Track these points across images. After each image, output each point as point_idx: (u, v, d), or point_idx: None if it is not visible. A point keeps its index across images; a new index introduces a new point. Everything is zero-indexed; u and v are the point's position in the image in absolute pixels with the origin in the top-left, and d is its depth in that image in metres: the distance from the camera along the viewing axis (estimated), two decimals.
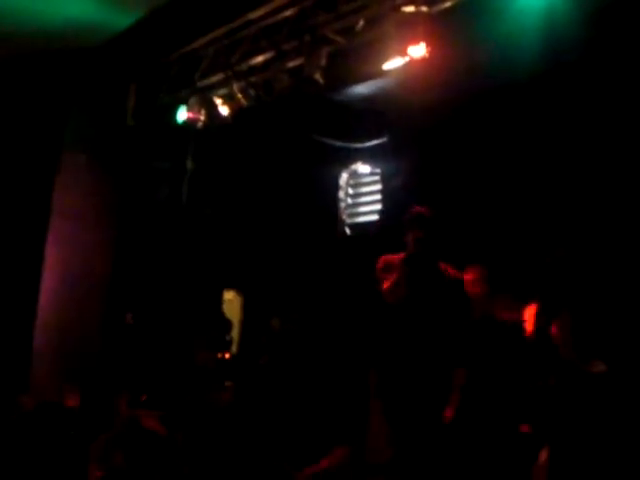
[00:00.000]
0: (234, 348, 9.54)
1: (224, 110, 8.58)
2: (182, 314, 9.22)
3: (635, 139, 6.63)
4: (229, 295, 10.17)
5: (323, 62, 7.67)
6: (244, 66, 8.34)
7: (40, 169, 9.49)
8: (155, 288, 9.42)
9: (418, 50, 6.88)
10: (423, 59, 6.93)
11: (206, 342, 8.30)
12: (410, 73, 7.21)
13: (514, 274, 6.83)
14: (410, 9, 6.93)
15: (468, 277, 6.40)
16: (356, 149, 9.01)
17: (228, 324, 9.60)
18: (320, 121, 8.70)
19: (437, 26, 6.94)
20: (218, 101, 8.61)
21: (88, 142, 9.53)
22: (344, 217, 9.37)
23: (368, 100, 8.36)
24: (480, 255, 6.84)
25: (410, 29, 6.91)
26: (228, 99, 8.57)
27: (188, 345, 8.84)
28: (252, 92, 8.34)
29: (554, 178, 7.12)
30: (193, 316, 9.10)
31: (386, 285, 5.99)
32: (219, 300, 9.99)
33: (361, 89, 8.27)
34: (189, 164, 9.69)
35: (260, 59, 8.19)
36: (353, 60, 7.80)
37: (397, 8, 7.03)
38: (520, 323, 6.38)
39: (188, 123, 8.72)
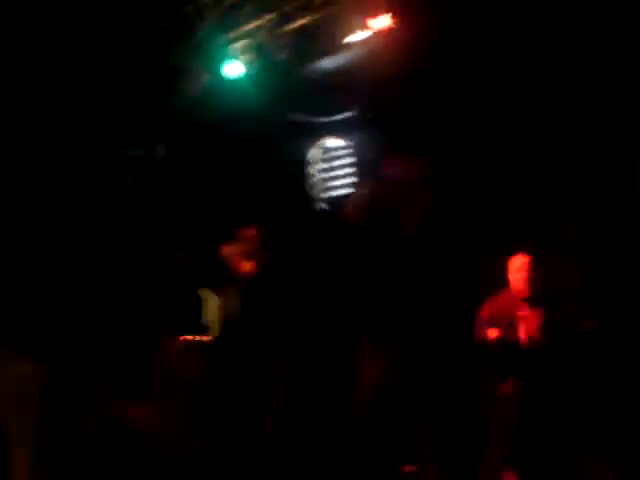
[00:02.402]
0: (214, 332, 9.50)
1: None
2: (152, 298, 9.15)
3: None
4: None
5: (286, 39, 7.69)
6: (206, 47, 8.30)
7: None
8: (124, 274, 9.35)
9: (382, 21, 6.89)
10: (387, 29, 6.95)
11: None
12: (376, 44, 7.24)
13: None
14: None
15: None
16: (327, 124, 9.00)
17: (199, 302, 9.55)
18: (289, 98, 8.66)
19: None
20: None
21: None
22: (317, 192, 9.35)
23: (336, 74, 8.33)
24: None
25: (371, 1, 6.92)
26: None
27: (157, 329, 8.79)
28: None
29: (527, 151, 7.15)
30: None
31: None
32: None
33: (328, 63, 8.24)
34: (159, 150, 9.64)
35: (222, 39, 8.16)
36: (317, 35, 7.81)
37: None
38: None
39: None
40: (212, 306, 9.93)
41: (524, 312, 6.15)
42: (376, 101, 8.17)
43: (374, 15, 6.99)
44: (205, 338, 9.31)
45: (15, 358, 7.04)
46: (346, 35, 7.45)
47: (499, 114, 7.25)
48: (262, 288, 7.32)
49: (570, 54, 6.80)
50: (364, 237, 6.56)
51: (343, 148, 9.15)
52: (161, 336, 8.44)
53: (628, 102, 6.52)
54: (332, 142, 9.26)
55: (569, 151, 6.90)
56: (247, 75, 8.22)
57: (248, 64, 8.13)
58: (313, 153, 9.46)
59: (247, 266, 7.37)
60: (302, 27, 7.71)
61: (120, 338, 8.81)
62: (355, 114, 8.59)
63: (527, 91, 7.12)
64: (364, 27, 7.15)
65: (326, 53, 7.98)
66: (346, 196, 8.90)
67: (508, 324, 6.11)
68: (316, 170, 9.41)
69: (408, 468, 6.48)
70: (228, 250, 7.51)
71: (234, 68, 8.20)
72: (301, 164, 9.48)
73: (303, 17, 7.66)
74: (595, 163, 6.72)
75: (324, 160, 9.37)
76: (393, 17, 6.81)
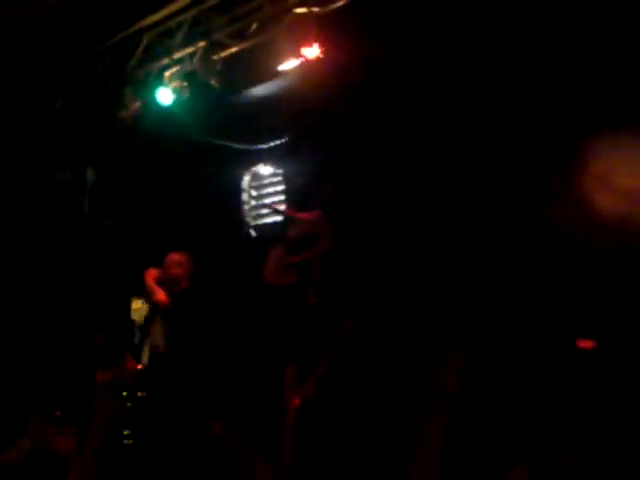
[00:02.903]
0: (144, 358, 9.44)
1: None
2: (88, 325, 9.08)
3: None
4: (137, 304, 10.04)
5: (218, 67, 7.75)
6: (139, 73, 8.34)
7: None
8: (60, 301, 9.28)
9: (312, 51, 6.99)
10: (318, 58, 7.05)
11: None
12: (306, 73, 7.33)
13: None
14: (302, 10, 7.02)
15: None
16: (258, 151, 9.02)
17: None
18: (219, 125, 8.68)
19: (330, 25, 7.07)
20: None
21: None
22: (248, 219, 9.36)
23: (266, 101, 8.39)
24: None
25: (303, 30, 7.02)
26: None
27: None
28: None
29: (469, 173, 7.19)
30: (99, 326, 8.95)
31: None
32: (127, 309, 9.89)
33: (259, 90, 8.31)
34: (90, 174, 9.59)
35: (155, 66, 8.20)
36: (249, 63, 7.89)
37: (289, 10, 7.12)
38: None
39: None
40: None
41: None
42: (306, 129, 8.23)
43: (305, 44, 7.07)
44: (139, 366, 9.25)
45: None
46: (278, 63, 7.54)
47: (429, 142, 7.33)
48: (183, 316, 7.32)
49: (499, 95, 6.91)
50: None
51: (273, 176, 9.19)
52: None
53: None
54: (263, 169, 9.29)
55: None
56: (179, 101, 8.23)
57: (180, 91, 8.15)
58: (246, 180, 9.48)
59: (161, 294, 7.39)
60: (234, 55, 7.78)
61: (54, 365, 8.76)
62: (285, 142, 8.64)
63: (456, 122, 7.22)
64: (296, 55, 7.23)
65: (258, 80, 8.05)
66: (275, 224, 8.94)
67: None
68: (247, 197, 9.42)
69: None
70: (149, 275, 7.51)
71: (166, 95, 8.22)
72: (234, 191, 9.49)
73: (235, 45, 7.73)
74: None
75: (255, 187, 9.39)
76: (321, 46, 6.89)
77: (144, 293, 9.91)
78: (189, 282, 7.55)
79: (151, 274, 7.50)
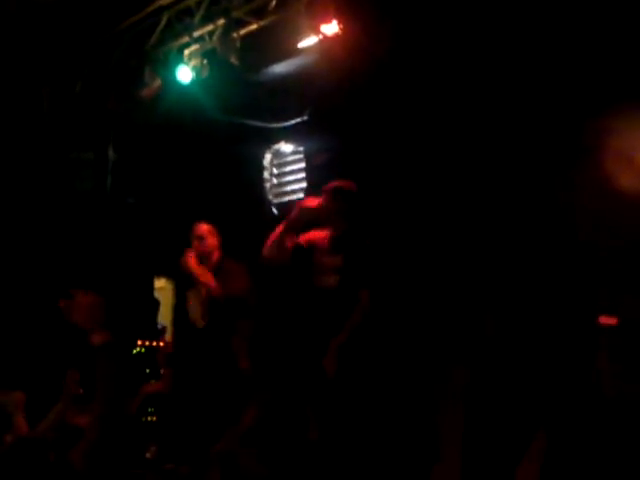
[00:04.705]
0: (168, 336, 9.49)
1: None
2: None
3: None
4: (160, 283, 10.10)
5: (237, 44, 7.73)
6: (159, 52, 8.35)
7: None
8: (82, 280, 9.31)
9: (331, 27, 6.95)
10: (336, 35, 7.01)
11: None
12: (325, 50, 7.30)
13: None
14: None
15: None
16: (278, 129, 9.01)
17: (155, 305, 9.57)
18: (239, 103, 8.67)
19: (349, 2, 7.03)
20: None
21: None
22: (270, 197, 9.37)
23: (286, 79, 8.36)
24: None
25: (321, 7, 6.98)
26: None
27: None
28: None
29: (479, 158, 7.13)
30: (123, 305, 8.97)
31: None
32: (150, 287, 9.95)
33: (279, 68, 8.28)
34: (111, 153, 9.62)
35: (174, 45, 8.19)
36: (268, 40, 7.86)
37: None
38: None
39: None
40: (167, 294, 9.99)
41: None
42: (324, 107, 8.19)
43: (324, 21, 7.04)
44: (161, 343, 9.33)
45: None
46: (297, 40, 7.52)
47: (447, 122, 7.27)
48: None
49: None
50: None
51: (294, 153, 9.17)
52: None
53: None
54: (284, 147, 9.28)
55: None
56: (199, 80, 8.22)
57: (200, 69, 8.14)
58: (267, 158, 9.47)
59: (209, 278, 7.18)
60: (253, 32, 7.76)
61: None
62: (305, 119, 8.61)
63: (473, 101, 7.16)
64: (315, 32, 7.20)
65: (277, 58, 8.03)
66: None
67: None
68: (269, 175, 9.42)
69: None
70: (190, 259, 7.22)
71: (186, 73, 8.21)
72: (256, 169, 9.49)
73: (254, 22, 7.71)
74: None
75: (276, 165, 9.39)
76: (340, 23, 6.85)
77: (168, 272, 10.03)
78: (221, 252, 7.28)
79: (192, 259, 7.24)
